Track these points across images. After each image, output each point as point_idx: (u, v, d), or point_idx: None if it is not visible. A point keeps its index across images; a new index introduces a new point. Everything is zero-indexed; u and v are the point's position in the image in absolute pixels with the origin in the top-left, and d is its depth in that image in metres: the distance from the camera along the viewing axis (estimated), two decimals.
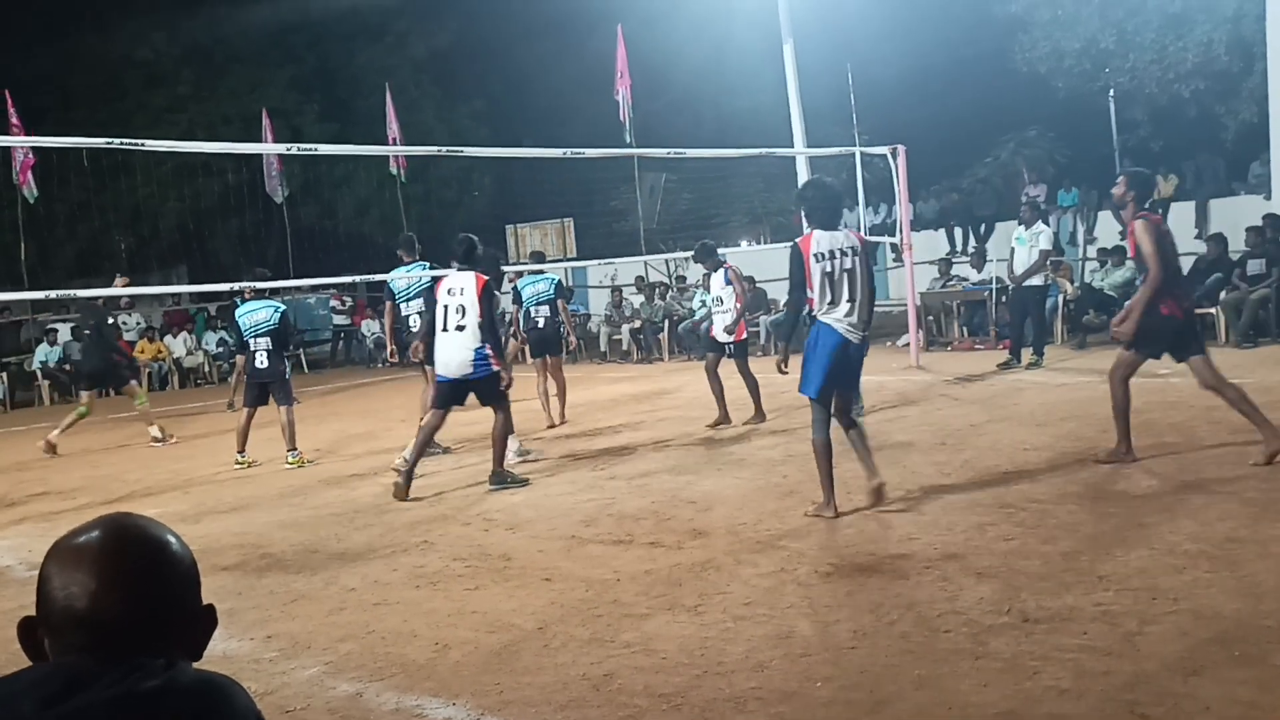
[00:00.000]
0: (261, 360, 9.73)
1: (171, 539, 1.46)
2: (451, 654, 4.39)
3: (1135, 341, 6.67)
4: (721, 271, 10.22)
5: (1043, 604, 4.32)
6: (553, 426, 10.74)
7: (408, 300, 9.89)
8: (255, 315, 9.79)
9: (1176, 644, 3.81)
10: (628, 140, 19.09)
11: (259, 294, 10.12)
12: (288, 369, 9.98)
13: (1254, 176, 16.94)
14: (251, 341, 9.77)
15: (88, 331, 12.60)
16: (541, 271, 12.02)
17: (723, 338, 10.07)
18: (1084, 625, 4.06)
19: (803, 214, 6.57)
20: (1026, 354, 12.20)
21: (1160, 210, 16.74)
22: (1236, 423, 7.69)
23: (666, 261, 21.37)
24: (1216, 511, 5.46)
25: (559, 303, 11.11)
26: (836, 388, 6.20)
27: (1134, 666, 3.65)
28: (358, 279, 19.44)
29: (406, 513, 7.25)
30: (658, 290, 19.82)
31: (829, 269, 6.08)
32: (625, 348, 18.85)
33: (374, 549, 6.30)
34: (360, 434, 11.65)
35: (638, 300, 20.00)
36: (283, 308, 9.99)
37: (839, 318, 6.09)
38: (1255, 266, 13.06)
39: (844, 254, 6.12)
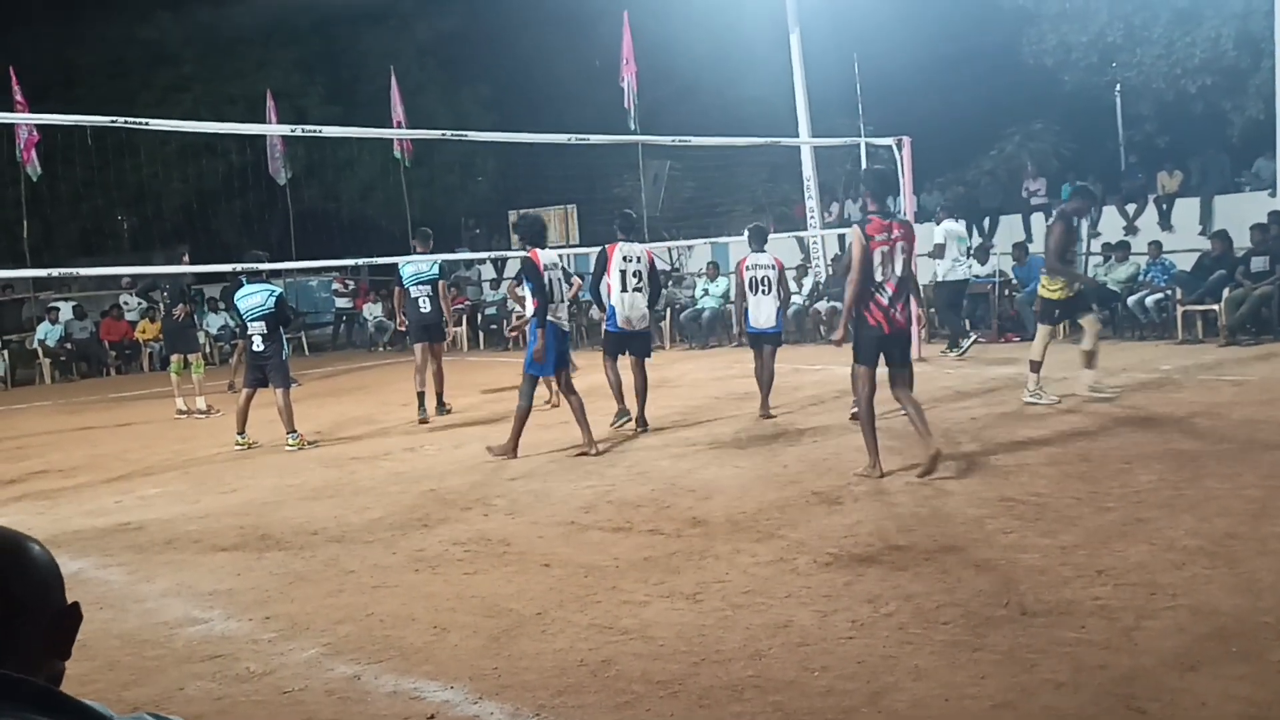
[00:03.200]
0: (258, 344, 9.77)
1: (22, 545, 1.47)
2: (450, 637, 4.40)
3: (855, 352, 6.85)
4: (767, 254, 9.83)
5: (1041, 597, 4.33)
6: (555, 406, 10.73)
7: (416, 284, 11.08)
8: (251, 299, 9.81)
9: (1174, 639, 3.81)
10: (632, 128, 19.05)
11: (255, 277, 10.12)
12: (284, 352, 9.97)
13: (1259, 173, 16.88)
14: (249, 325, 9.83)
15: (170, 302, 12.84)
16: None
17: (766, 324, 9.78)
18: (1082, 619, 4.06)
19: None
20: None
21: (1166, 205, 16.77)
22: (1238, 419, 7.71)
23: (669, 250, 21.34)
24: (1216, 507, 5.46)
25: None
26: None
27: (1131, 661, 3.66)
28: (359, 262, 19.45)
29: (406, 496, 7.26)
30: (660, 278, 19.78)
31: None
32: None
33: (373, 532, 6.31)
34: (360, 416, 11.66)
35: None
36: (278, 291, 9.98)
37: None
38: (1259, 263, 13.04)
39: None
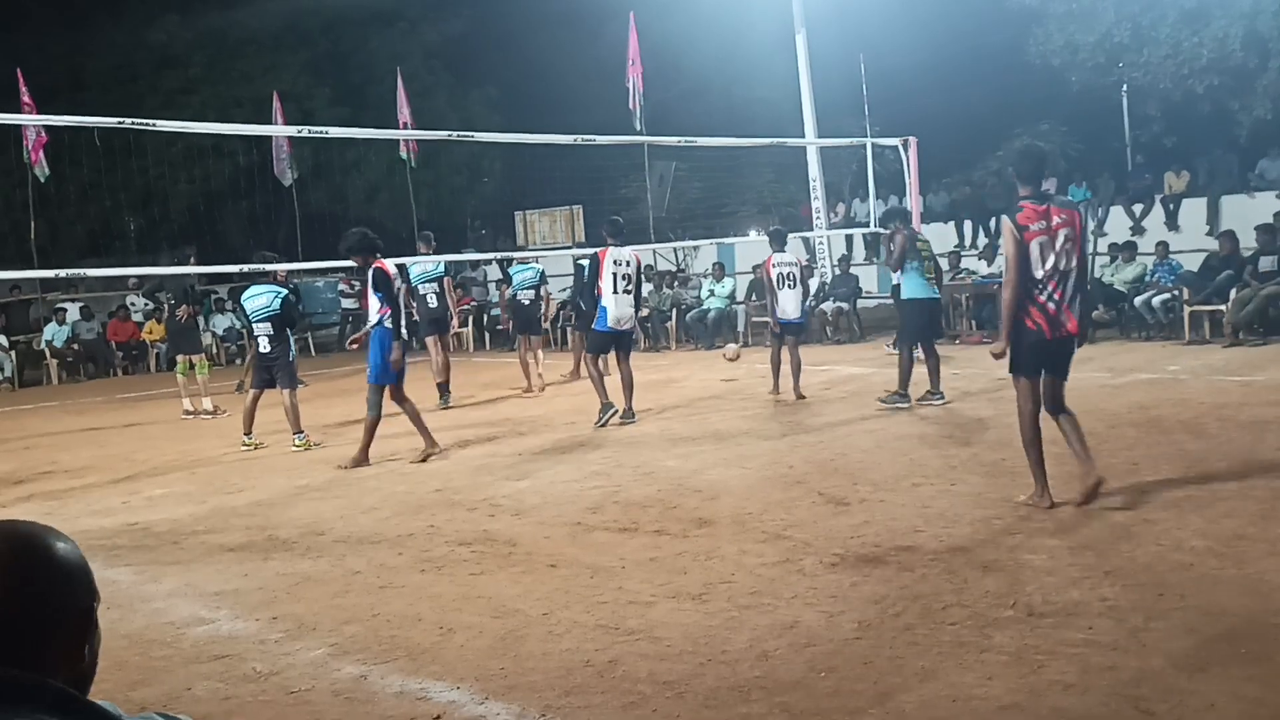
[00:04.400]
0: (264, 345, 9.84)
1: (44, 543, 1.45)
2: (456, 638, 4.40)
3: (1011, 362, 5.92)
4: (789, 253, 11.04)
5: (1048, 598, 4.32)
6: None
7: (424, 282, 12.03)
8: (257, 300, 9.86)
9: (1183, 640, 3.80)
10: (637, 128, 19.06)
11: (262, 278, 10.15)
12: (291, 353, 10.00)
13: (1264, 173, 16.83)
14: (255, 326, 9.91)
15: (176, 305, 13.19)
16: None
17: (795, 315, 10.88)
18: (1090, 620, 4.05)
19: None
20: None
21: (1173, 206, 16.73)
22: (1245, 420, 7.69)
23: (675, 250, 21.34)
24: (1224, 508, 5.44)
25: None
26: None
27: (1139, 662, 3.65)
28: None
29: (412, 497, 7.26)
30: (666, 279, 19.78)
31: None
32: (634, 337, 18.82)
33: (380, 533, 6.31)
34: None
35: (646, 289, 19.99)
36: (284, 292, 10.00)
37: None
38: (1267, 263, 13.01)
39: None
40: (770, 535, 5.60)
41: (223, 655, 4.36)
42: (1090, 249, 15.80)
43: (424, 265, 11.99)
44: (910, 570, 4.83)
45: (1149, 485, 6.07)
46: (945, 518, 5.69)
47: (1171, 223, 17.09)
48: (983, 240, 19.01)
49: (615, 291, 9.79)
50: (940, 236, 19.07)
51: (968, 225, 20.33)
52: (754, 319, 17.82)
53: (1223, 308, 12.85)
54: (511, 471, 7.94)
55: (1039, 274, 5.61)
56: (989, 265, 16.10)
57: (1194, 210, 17.10)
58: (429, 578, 5.31)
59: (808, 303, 11.30)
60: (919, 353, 9.64)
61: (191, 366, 12.62)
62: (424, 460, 8.50)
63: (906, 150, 13.41)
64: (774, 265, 10.75)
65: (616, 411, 9.73)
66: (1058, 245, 5.62)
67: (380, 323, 8.47)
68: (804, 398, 10.46)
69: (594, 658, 4.06)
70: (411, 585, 5.20)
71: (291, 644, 4.47)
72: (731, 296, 18.35)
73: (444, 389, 11.99)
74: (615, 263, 9.84)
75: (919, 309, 9.65)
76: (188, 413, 12.48)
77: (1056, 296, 5.63)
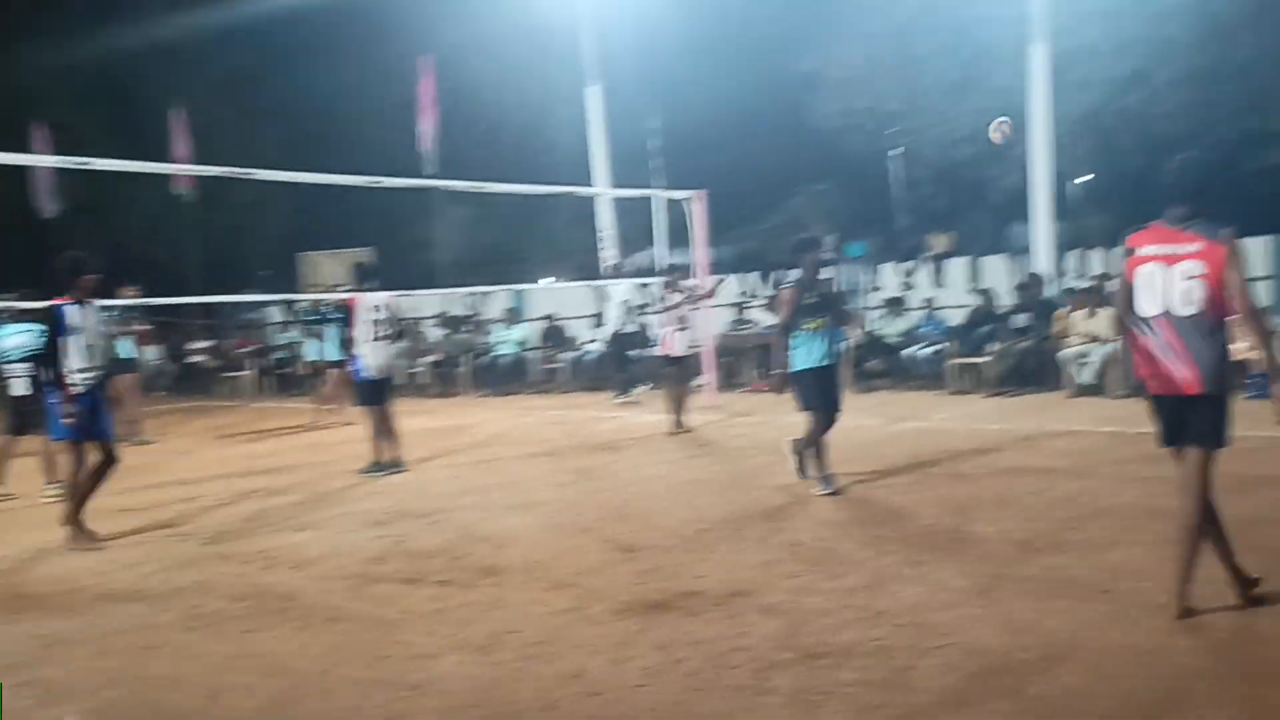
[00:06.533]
0: (20, 387, 9.15)
1: None
2: (225, 700, 4.18)
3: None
4: (683, 295, 11.62)
5: (824, 640, 4.47)
6: None
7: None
8: (11, 340, 9.21)
9: (946, 677, 4.00)
10: (429, 172, 18.94)
11: (21, 315, 9.47)
12: (53, 396, 9.31)
13: (1011, 236, 18.10)
14: (7, 368, 9.20)
15: None
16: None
17: (685, 351, 11.54)
18: (862, 660, 4.21)
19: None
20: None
21: (939, 264, 17.78)
22: (1002, 466, 8.21)
23: (469, 295, 21.17)
24: (983, 550, 5.79)
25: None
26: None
27: (907, 699, 3.82)
28: (136, 302, 18.45)
29: (179, 548, 6.89)
30: (458, 324, 19.60)
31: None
32: (424, 382, 18.53)
33: (142, 589, 5.94)
34: (135, 465, 10.99)
35: (439, 334, 19.76)
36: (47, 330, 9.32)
37: None
38: (1021, 320, 14.01)
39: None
40: (558, 583, 5.59)
41: None
42: (862, 303, 16.65)
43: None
44: (695, 615, 4.91)
45: (916, 530, 6.38)
46: (729, 562, 5.82)
47: (938, 280, 18.18)
48: (767, 292, 19.69)
49: (372, 339, 9.53)
50: (725, 287, 19.67)
51: (753, 277, 21.02)
52: (543, 365, 17.87)
53: (983, 360, 13.74)
54: (291, 521, 7.65)
55: (1143, 310, 4.54)
56: (772, 316, 16.68)
57: (958, 269, 18.25)
58: (197, 636, 5.04)
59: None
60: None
61: None
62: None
63: (695, 204, 13.77)
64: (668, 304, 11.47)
65: (393, 469, 9.50)
66: (1174, 279, 4.44)
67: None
68: (686, 431, 11.09)
69: (374, 715, 3.94)
70: (178, 645, 4.92)
71: (43, 712, 4.15)
72: (523, 343, 18.35)
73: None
74: (370, 308, 9.56)
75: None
76: None
77: (1162, 338, 4.50)
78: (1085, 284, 14.77)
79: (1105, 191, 19.97)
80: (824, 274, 8.05)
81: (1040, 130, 15.34)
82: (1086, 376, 12.66)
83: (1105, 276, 15.51)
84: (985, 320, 14.35)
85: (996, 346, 13.71)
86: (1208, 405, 4.44)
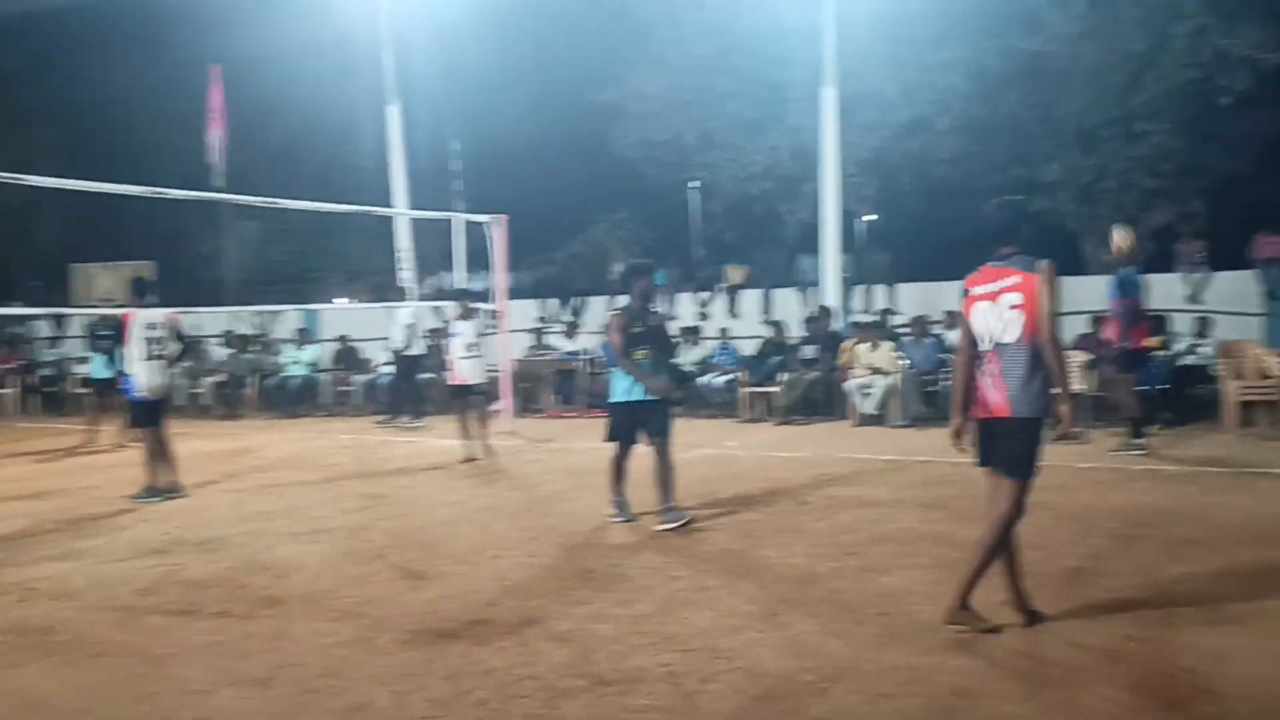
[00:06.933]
0: None
1: None
2: None
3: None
4: (476, 321, 11.33)
5: (615, 666, 4.49)
6: None
7: None
8: None
9: (731, 701, 4.08)
10: (217, 184, 18.21)
11: None
12: None
13: (801, 269, 18.82)
14: None
15: None
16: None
17: (475, 380, 11.18)
18: (651, 686, 4.25)
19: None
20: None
21: (733, 295, 18.28)
22: (790, 490, 8.47)
23: (257, 314, 20.39)
24: (771, 575, 5.95)
25: None
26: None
27: None
28: None
29: None
30: (245, 344, 18.84)
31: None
32: (206, 403, 17.69)
33: None
34: None
35: (225, 353, 18.93)
36: None
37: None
38: (809, 351, 14.55)
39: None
40: (343, 613, 5.42)
41: None
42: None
43: None
44: (485, 644, 4.85)
45: (706, 555, 6.50)
46: (522, 590, 5.78)
47: (732, 310, 18.69)
48: (566, 318, 19.81)
49: (146, 357, 9.10)
50: (527, 313, 19.68)
51: (553, 303, 21.11)
52: (336, 388, 17.40)
53: (774, 389, 14.19)
54: (54, 550, 7.15)
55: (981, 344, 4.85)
56: (571, 342, 16.77)
57: (751, 300, 18.82)
58: None
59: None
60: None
61: None
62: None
63: (495, 228, 13.71)
64: (451, 333, 11.23)
65: (170, 495, 9.04)
66: (1000, 311, 4.75)
67: None
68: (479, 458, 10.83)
69: None
70: None
71: None
72: (315, 364, 17.81)
73: None
74: (145, 326, 9.13)
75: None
76: None
77: (990, 370, 4.80)
78: (869, 318, 15.50)
79: (888, 230, 21.07)
80: (652, 304, 7.79)
81: (830, 169, 16.03)
82: (869, 407, 13.25)
83: (888, 311, 16.35)
84: (776, 351, 14.84)
85: (786, 376, 14.19)
86: (1016, 430, 4.69)
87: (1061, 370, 4.65)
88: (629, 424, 7.47)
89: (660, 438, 7.45)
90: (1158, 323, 12.99)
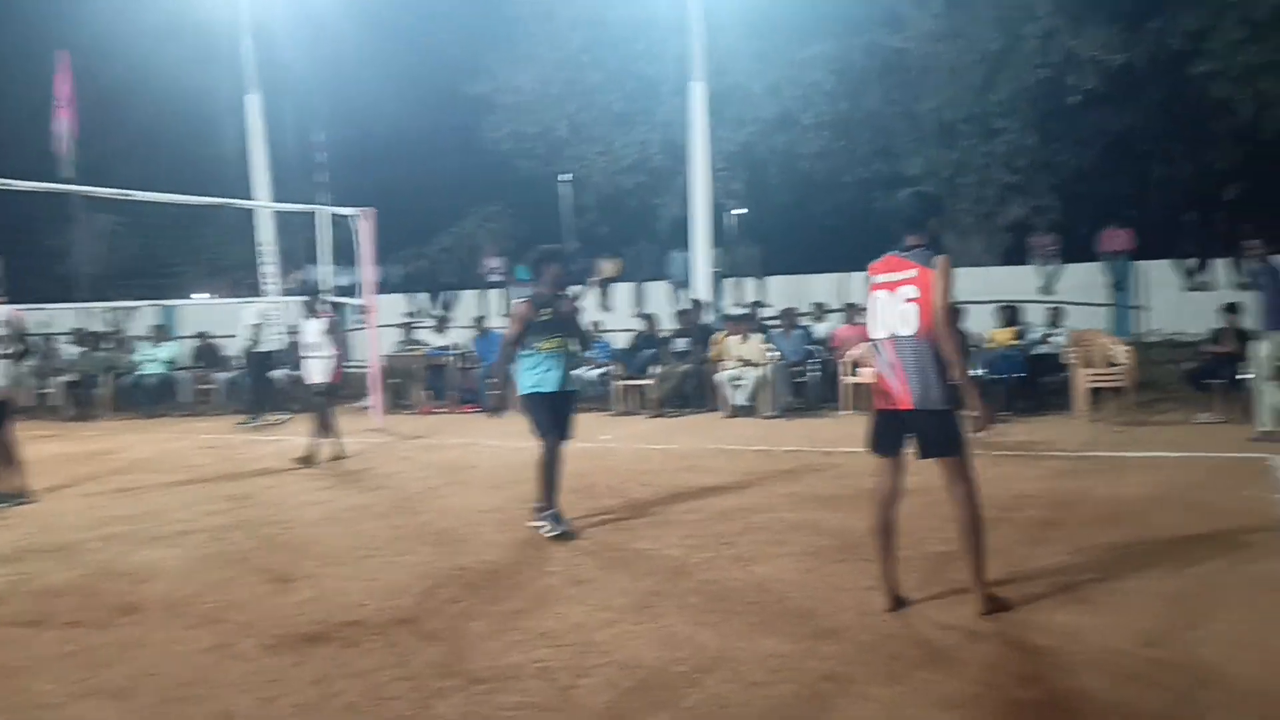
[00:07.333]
0: None
1: None
2: None
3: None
4: (323, 320, 10.66)
5: (488, 664, 4.44)
6: None
7: None
8: None
9: (605, 695, 4.08)
10: (66, 175, 17.43)
11: None
12: None
13: (671, 264, 18.96)
14: None
15: None
16: None
17: (319, 379, 10.62)
18: (525, 682, 4.22)
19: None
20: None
21: (606, 289, 18.32)
22: (664, 484, 8.52)
23: (111, 310, 19.59)
24: (645, 567, 5.97)
25: None
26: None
27: (567, 719, 3.86)
28: None
29: None
30: (98, 341, 18.08)
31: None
32: (57, 404, 16.92)
33: None
34: None
35: (75, 351, 18.13)
36: None
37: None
38: (682, 344, 14.67)
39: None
40: (205, 619, 5.24)
41: None
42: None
43: None
44: (354, 646, 4.75)
45: (579, 549, 6.48)
46: (392, 589, 5.67)
47: (605, 304, 18.72)
48: (437, 312, 19.57)
49: None
50: (396, 307, 19.38)
51: (423, 297, 20.82)
52: (197, 386, 16.85)
53: (647, 382, 14.26)
54: None
55: (876, 332, 4.99)
56: (441, 337, 16.57)
57: (624, 293, 18.89)
58: None
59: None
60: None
61: None
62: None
63: (361, 221, 13.43)
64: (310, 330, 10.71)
65: (18, 500, 8.65)
66: (896, 301, 4.88)
67: None
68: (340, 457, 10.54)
69: None
70: None
71: None
72: (173, 362, 17.20)
73: None
74: None
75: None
76: None
77: (890, 359, 4.95)
78: (739, 311, 15.71)
79: (758, 224, 21.38)
80: (565, 291, 7.19)
81: (699, 163, 16.16)
82: (740, 398, 13.43)
83: (758, 304, 16.59)
84: (649, 344, 14.92)
85: (659, 369, 14.28)
86: (927, 420, 4.82)
87: (959, 362, 4.77)
88: (550, 414, 6.96)
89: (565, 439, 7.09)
90: (1010, 313, 13.50)
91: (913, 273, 4.81)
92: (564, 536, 6.70)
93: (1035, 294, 16.01)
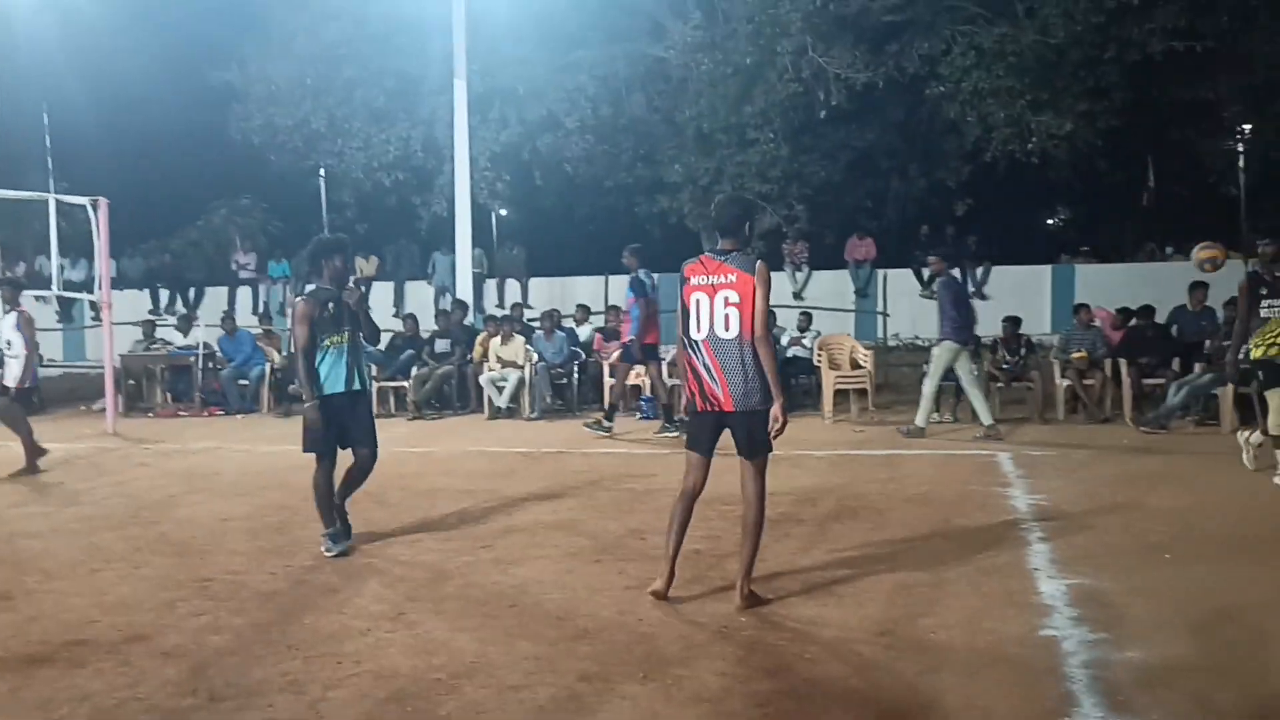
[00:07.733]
0: None
1: None
2: None
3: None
4: (14, 315, 9.60)
5: (231, 680, 4.21)
6: None
7: None
8: None
9: (357, 706, 3.94)
10: None
11: None
12: None
13: (437, 264, 18.68)
14: None
15: None
16: None
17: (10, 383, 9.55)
18: (271, 697, 4.02)
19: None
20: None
21: (365, 288, 17.86)
22: (423, 488, 8.37)
23: None
24: (401, 572, 5.83)
25: None
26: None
27: None
28: None
29: None
30: None
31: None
32: None
33: None
34: None
35: None
36: None
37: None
38: (442, 345, 14.46)
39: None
40: None
41: None
42: (289, 324, 16.21)
43: None
44: (82, 666, 4.41)
45: (334, 559, 6.25)
46: (125, 605, 5.30)
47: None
48: (180, 309, 18.54)
49: None
50: (135, 304, 18.25)
51: (165, 294, 19.69)
52: None
53: (406, 384, 13.97)
54: None
55: (693, 333, 5.05)
56: (185, 336, 15.66)
57: (383, 293, 18.45)
58: None
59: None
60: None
61: None
62: None
63: (96, 211, 12.53)
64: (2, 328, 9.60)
65: None
66: (716, 305, 4.97)
67: None
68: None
69: None
70: None
71: None
72: None
73: None
74: None
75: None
76: None
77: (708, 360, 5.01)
78: (502, 312, 15.63)
79: (522, 225, 21.35)
80: (347, 283, 6.59)
81: (462, 162, 15.96)
82: (502, 400, 13.35)
83: (520, 306, 16.57)
84: (409, 345, 14.62)
85: (418, 370, 14.01)
86: (744, 421, 4.99)
87: (773, 367, 4.95)
88: (326, 427, 6.29)
89: (365, 448, 6.48)
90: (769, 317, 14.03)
91: (733, 277, 4.93)
92: (344, 555, 6.24)
93: (788, 299, 16.71)
